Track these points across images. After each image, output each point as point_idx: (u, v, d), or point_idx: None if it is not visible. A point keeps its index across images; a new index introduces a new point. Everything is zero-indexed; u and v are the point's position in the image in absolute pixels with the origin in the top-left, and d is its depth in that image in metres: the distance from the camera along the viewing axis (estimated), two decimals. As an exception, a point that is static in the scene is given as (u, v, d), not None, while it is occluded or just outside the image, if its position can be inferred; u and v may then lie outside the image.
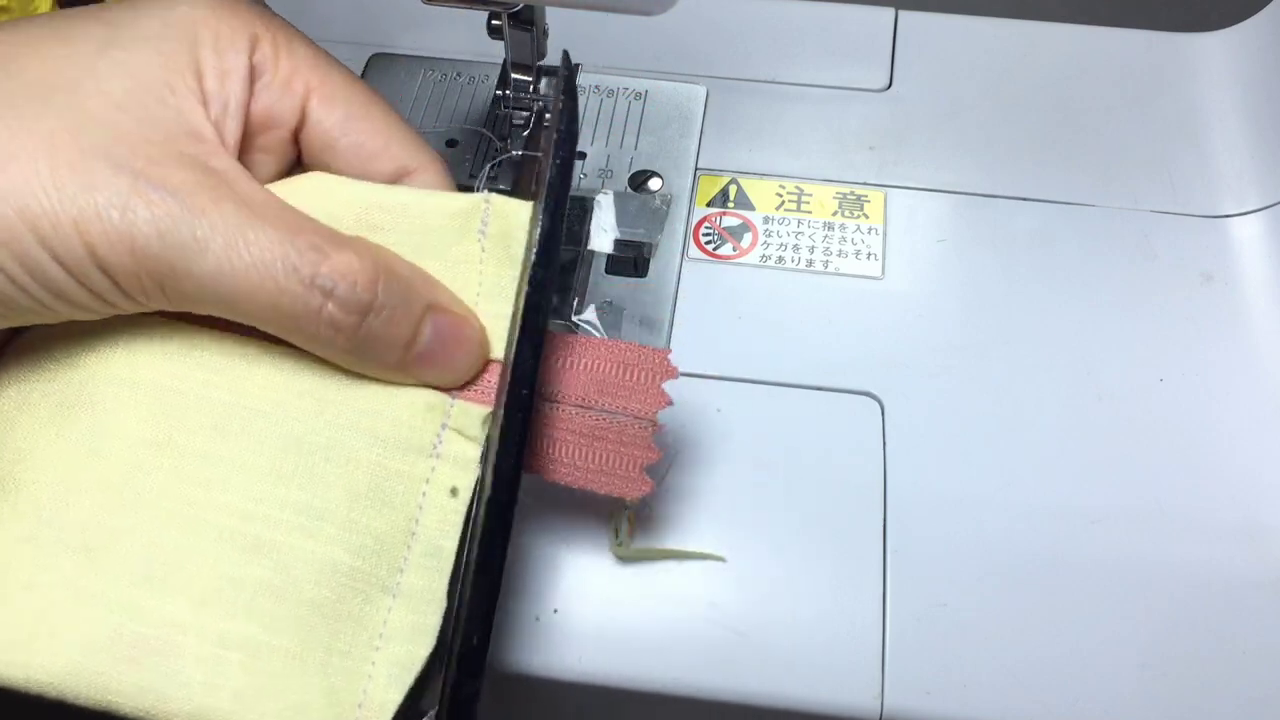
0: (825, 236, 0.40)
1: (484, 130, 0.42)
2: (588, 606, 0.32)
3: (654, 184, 0.41)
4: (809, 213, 0.41)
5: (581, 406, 0.29)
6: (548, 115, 0.30)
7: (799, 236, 0.40)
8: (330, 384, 0.27)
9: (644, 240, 0.39)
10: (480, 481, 0.27)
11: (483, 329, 0.29)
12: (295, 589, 0.25)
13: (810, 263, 0.39)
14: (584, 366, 0.30)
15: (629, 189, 0.41)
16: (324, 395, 0.27)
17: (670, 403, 0.29)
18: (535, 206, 0.28)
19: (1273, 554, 0.33)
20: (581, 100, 0.43)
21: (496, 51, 0.40)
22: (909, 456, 0.35)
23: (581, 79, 0.41)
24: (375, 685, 0.25)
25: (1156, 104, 0.44)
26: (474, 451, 0.28)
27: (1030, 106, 0.44)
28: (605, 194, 0.40)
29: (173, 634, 0.24)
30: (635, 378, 0.30)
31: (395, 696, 0.25)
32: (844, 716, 0.31)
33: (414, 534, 0.27)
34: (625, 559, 0.32)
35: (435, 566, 0.26)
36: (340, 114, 0.29)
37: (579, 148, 0.42)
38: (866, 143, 0.43)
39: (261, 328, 0.26)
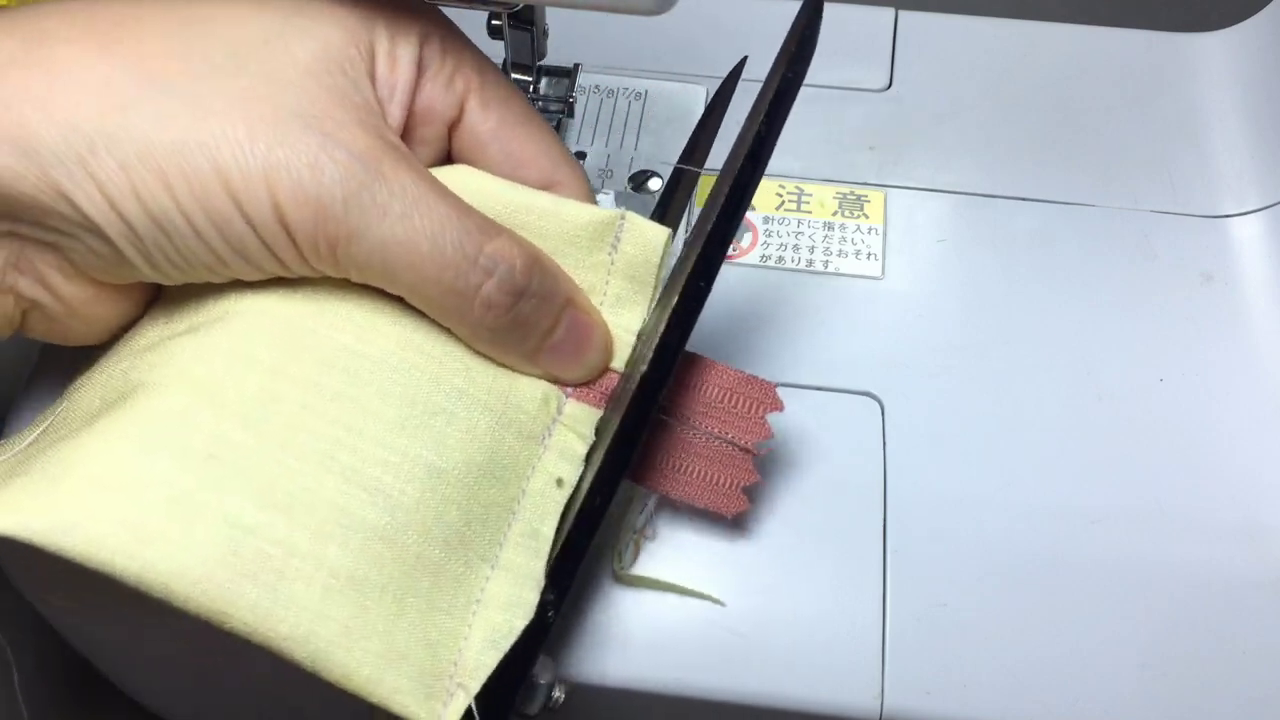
0: (825, 236, 0.40)
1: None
2: (587, 607, 0.32)
3: (654, 184, 0.41)
4: (809, 213, 0.41)
5: (689, 425, 0.31)
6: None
7: (799, 236, 0.40)
8: (456, 355, 0.28)
9: None
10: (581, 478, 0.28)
11: (609, 333, 0.30)
12: (406, 539, 0.26)
13: (810, 263, 0.39)
14: (695, 385, 0.31)
15: (629, 189, 0.41)
16: (449, 364, 0.28)
17: (772, 435, 0.31)
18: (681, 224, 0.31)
19: (1273, 554, 0.33)
20: (581, 100, 0.43)
21: (496, 51, 0.39)
22: (909, 456, 0.35)
23: (581, 79, 0.41)
24: (471, 646, 0.26)
25: (1156, 104, 0.44)
26: (581, 448, 0.29)
27: (1030, 106, 0.44)
28: (605, 194, 0.40)
29: (291, 558, 0.24)
30: (741, 405, 0.31)
31: (490, 660, 0.26)
32: (844, 716, 0.31)
33: (515, 513, 0.28)
34: (624, 583, 0.32)
35: (533, 547, 0.27)
36: (495, 118, 0.30)
37: (579, 148, 0.42)
38: (866, 143, 0.43)
39: (414, 300, 0.27)
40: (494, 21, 0.38)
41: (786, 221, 0.41)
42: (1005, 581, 0.33)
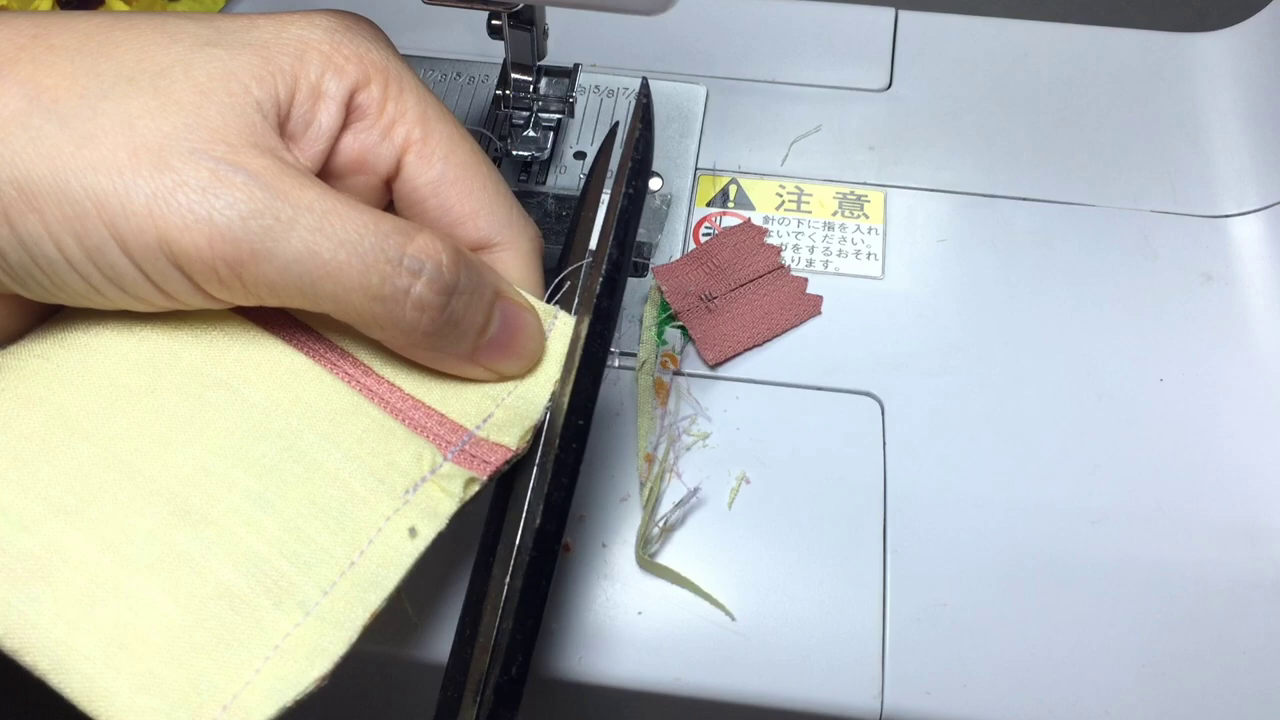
0: (825, 236, 0.40)
1: (484, 130, 0.42)
2: (587, 607, 0.32)
3: (654, 184, 0.41)
4: (809, 213, 0.41)
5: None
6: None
7: (799, 236, 0.40)
8: (330, 403, 0.27)
9: (644, 240, 0.39)
10: (529, 511, 0.27)
11: (540, 320, 0.29)
12: (211, 568, 0.24)
13: (810, 263, 0.39)
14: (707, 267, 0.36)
15: (629, 189, 0.41)
16: (320, 411, 0.27)
17: (779, 255, 0.38)
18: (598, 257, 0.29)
19: (1273, 554, 0.33)
20: (581, 100, 0.43)
21: (496, 51, 0.40)
22: (909, 456, 0.35)
23: (581, 79, 0.41)
24: (252, 692, 0.24)
25: (1156, 104, 0.44)
26: (449, 506, 0.27)
27: (1030, 106, 0.44)
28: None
29: (59, 563, 0.23)
30: (744, 246, 0.38)
31: (268, 710, 0.24)
32: (844, 716, 0.31)
33: (354, 563, 0.26)
34: (646, 570, 0.32)
35: (364, 599, 0.25)
36: (435, 174, 0.29)
37: (579, 148, 0.42)
38: (866, 143, 0.43)
39: (340, 315, 0.26)
40: (494, 21, 0.38)
41: (786, 221, 0.41)
42: (1005, 581, 0.33)
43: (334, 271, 0.25)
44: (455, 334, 0.27)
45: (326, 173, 0.28)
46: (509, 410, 0.28)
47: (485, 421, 0.28)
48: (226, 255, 0.24)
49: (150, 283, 0.24)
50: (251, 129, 0.25)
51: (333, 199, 0.25)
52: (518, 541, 0.27)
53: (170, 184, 0.23)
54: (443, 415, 0.28)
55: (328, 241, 0.24)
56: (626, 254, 0.29)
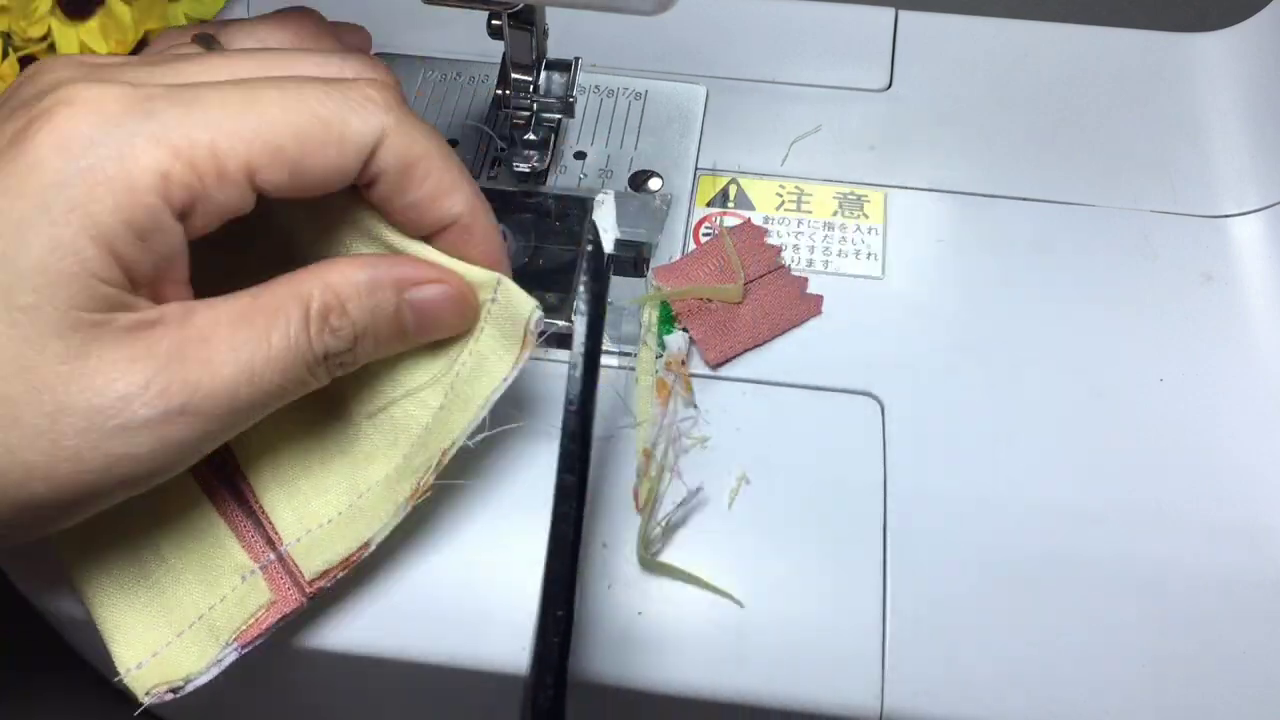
0: (825, 236, 0.40)
1: (484, 127, 0.42)
2: (588, 607, 0.32)
3: (654, 184, 0.41)
4: (809, 213, 0.41)
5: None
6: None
7: (799, 236, 0.40)
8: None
9: (644, 240, 0.39)
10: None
11: (459, 279, 0.30)
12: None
13: (810, 263, 0.39)
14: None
15: (629, 189, 0.41)
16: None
17: (780, 252, 0.39)
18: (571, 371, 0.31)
19: (1273, 554, 0.33)
20: (581, 100, 0.43)
21: (496, 51, 0.40)
22: (909, 456, 0.35)
23: (581, 79, 0.41)
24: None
25: (1156, 104, 0.44)
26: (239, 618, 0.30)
27: (1030, 106, 0.44)
28: (605, 194, 0.40)
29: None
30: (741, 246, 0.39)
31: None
32: (844, 716, 0.31)
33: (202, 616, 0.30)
34: (649, 568, 0.32)
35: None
36: (286, 170, 0.27)
37: (579, 148, 0.42)
38: (866, 143, 0.43)
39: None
40: (494, 21, 0.38)
41: (786, 221, 0.41)
42: (1005, 581, 0.33)
43: (265, 394, 0.27)
44: (380, 352, 0.30)
45: (205, 240, 0.27)
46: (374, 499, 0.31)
47: (305, 535, 0.31)
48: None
49: None
50: (112, 307, 0.25)
51: (220, 366, 0.26)
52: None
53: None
54: (272, 524, 0.31)
55: (243, 399, 0.26)
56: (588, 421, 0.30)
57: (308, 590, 0.30)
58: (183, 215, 0.26)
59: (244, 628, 0.29)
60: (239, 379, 0.26)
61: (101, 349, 0.24)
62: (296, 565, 0.30)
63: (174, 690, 0.29)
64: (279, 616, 0.30)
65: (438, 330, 0.30)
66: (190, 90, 0.26)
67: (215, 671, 0.29)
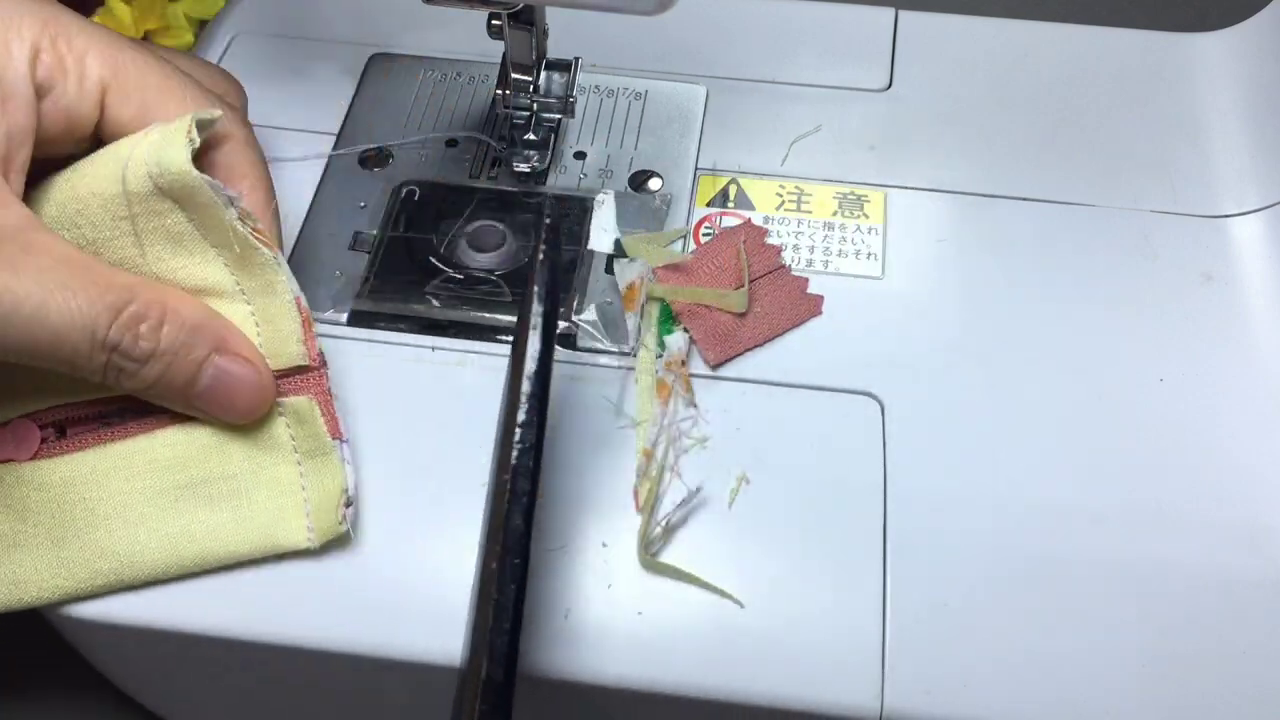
0: (825, 236, 0.40)
1: (482, 136, 0.42)
2: (587, 607, 0.32)
3: (654, 184, 0.41)
4: (809, 213, 0.41)
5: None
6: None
7: (799, 236, 0.40)
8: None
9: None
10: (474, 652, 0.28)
11: (269, 374, 0.31)
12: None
13: (810, 263, 0.39)
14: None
15: (629, 189, 0.41)
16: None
17: (780, 251, 0.39)
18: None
19: (1273, 554, 0.33)
20: (581, 100, 0.43)
21: (496, 51, 0.40)
22: (909, 456, 0.35)
23: (581, 79, 0.41)
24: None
25: (1156, 104, 0.44)
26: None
27: (1030, 106, 0.44)
28: (605, 194, 0.40)
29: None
30: (743, 247, 0.39)
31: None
32: (844, 716, 0.31)
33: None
34: (649, 569, 0.32)
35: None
36: (135, 107, 0.30)
37: (579, 148, 0.42)
38: (866, 143, 0.43)
39: (50, 367, 0.28)
40: (494, 21, 0.38)
41: (786, 221, 0.41)
42: (1005, 581, 0.33)
43: (45, 353, 0.27)
44: (158, 390, 0.30)
45: (37, 148, 0.28)
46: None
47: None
48: None
49: None
50: None
51: (51, 280, 0.26)
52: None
53: None
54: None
55: (41, 331, 0.26)
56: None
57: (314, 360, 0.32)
58: (39, 94, 0.27)
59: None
60: (23, 302, 0.26)
61: None
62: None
63: (348, 504, 0.31)
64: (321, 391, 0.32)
65: (223, 409, 0.31)
66: (90, 24, 0.29)
67: (351, 473, 0.32)
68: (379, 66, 0.45)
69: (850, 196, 0.41)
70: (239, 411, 0.31)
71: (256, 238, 0.31)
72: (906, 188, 0.42)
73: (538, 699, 0.33)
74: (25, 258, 0.26)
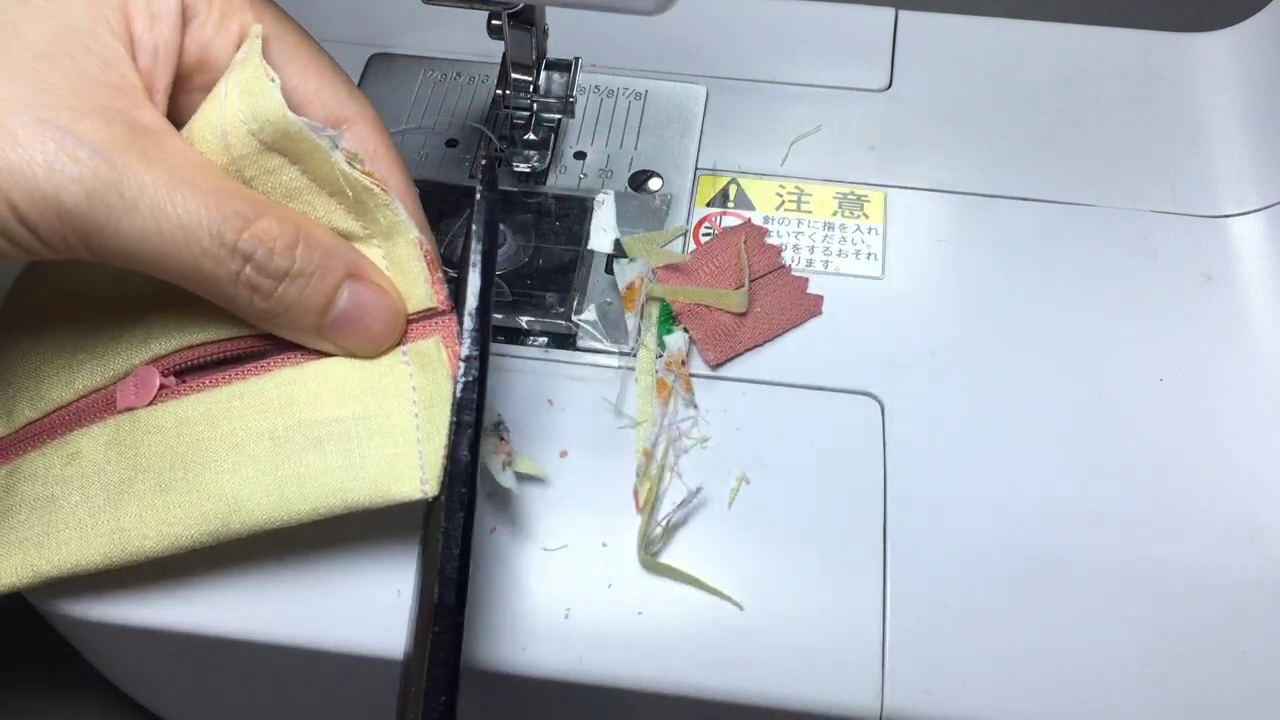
0: (825, 236, 0.40)
1: (483, 127, 0.42)
2: (587, 607, 0.32)
3: (654, 184, 0.41)
4: (809, 213, 0.41)
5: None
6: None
7: (799, 236, 0.40)
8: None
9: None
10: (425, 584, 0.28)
11: (403, 303, 0.30)
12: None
13: (810, 263, 0.39)
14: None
15: (629, 189, 0.41)
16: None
17: (781, 252, 0.39)
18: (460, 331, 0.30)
19: (1273, 554, 0.33)
20: (581, 100, 0.43)
21: (496, 51, 0.40)
22: (909, 456, 0.35)
23: (581, 79, 0.41)
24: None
25: (1156, 104, 0.44)
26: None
27: (1030, 106, 0.44)
28: (605, 194, 0.40)
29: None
30: (741, 247, 0.39)
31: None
32: (844, 716, 0.31)
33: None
34: (649, 569, 0.32)
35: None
36: (273, 54, 0.29)
37: (579, 148, 0.42)
38: (866, 143, 0.43)
39: (187, 286, 0.27)
40: (494, 21, 0.38)
41: (786, 221, 0.41)
42: (1005, 581, 0.33)
43: (171, 251, 0.26)
44: (292, 313, 0.29)
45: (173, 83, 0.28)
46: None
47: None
48: (73, 226, 0.25)
49: (9, 242, 0.25)
50: (101, 88, 0.26)
51: (179, 175, 0.26)
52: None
53: (18, 159, 0.24)
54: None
55: (166, 223, 0.25)
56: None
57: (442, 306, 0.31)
58: (184, 19, 0.27)
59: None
60: (149, 189, 0.25)
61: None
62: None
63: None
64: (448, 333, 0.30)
65: (357, 335, 0.30)
66: None
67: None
68: (379, 67, 0.45)
69: (850, 196, 0.41)
70: (374, 339, 0.30)
71: (369, 180, 0.30)
72: (906, 188, 0.42)
73: (538, 699, 0.33)
74: (157, 151, 0.26)
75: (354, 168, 0.29)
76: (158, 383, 0.30)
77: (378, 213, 0.30)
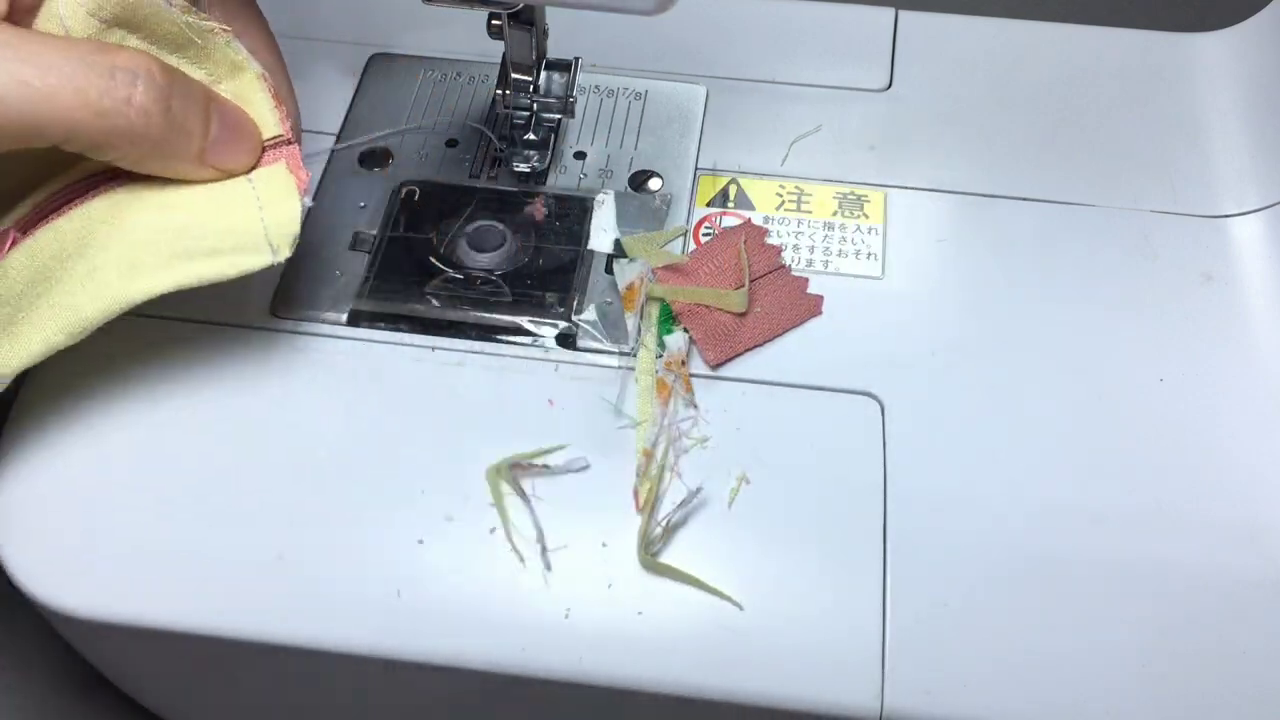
0: (825, 236, 0.40)
1: (483, 127, 0.42)
2: (588, 607, 0.32)
3: (654, 184, 0.41)
4: (809, 213, 0.41)
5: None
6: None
7: (799, 236, 0.40)
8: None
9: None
10: None
11: (255, 122, 0.32)
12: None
13: (810, 263, 0.39)
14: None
15: (629, 189, 0.41)
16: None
17: (780, 250, 0.39)
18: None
19: (1273, 554, 0.33)
20: (581, 100, 0.43)
21: (496, 51, 0.40)
22: (909, 456, 0.35)
23: (581, 79, 0.41)
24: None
25: (1156, 104, 0.44)
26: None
27: (1030, 106, 0.44)
28: (605, 194, 0.40)
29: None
30: (739, 247, 0.39)
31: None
32: (844, 716, 0.31)
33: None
34: (649, 569, 0.32)
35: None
36: None
37: (579, 148, 0.42)
38: (866, 143, 0.43)
39: (71, 142, 0.27)
40: (494, 21, 0.38)
41: (786, 221, 0.41)
42: (1005, 581, 0.33)
43: (49, 95, 0.26)
44: (182, 136, 0.29)
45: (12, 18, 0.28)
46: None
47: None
48: None
49: None
50: None
51: (26, 33, 0.26)
52: None
53: None
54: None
55: (35, 70, 0.26)
56: None
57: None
58: None
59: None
60: (14, 55, 0.26)
61: None
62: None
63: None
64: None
65: (238, 149, 0.31)
66: None
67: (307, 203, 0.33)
68: (379, 67, 0.45)
69: (850, 196, 0.41)
70: (249, 155, 0.31)
71: (208, 21, 0.31)
72: (906, 188, 0.42)
73: (538, 699, 0.33)
74: (11, 33, 0.26)
75: (190, 15, 0.31)
76: (9, 239, 0.31)
77: (220, 53, 0.32)
